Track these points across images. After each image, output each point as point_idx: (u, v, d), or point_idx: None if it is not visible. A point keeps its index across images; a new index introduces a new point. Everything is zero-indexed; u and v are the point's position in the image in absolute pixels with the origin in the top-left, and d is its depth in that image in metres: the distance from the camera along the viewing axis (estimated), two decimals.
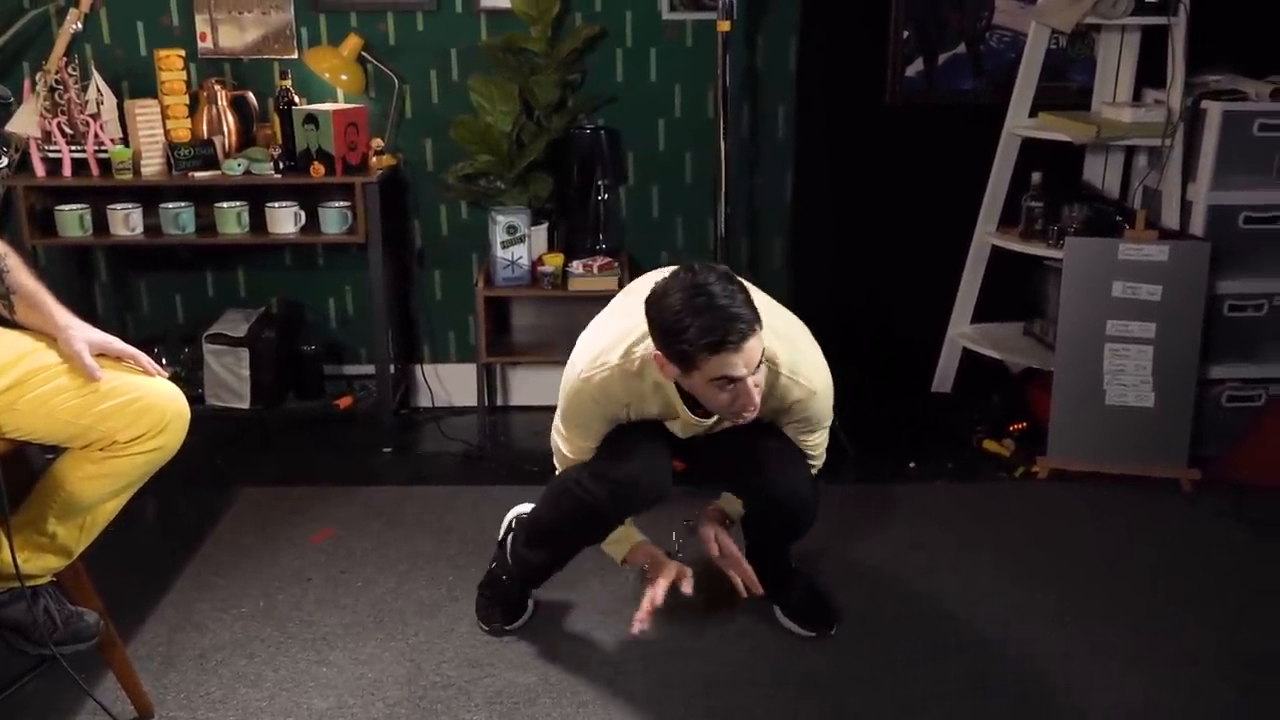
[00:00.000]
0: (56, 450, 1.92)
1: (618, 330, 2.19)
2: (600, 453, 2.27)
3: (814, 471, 2.39)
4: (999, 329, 3.73)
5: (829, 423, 2.33)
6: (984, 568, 2.80)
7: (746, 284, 2.08)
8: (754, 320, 1.96)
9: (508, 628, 2.50)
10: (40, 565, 1.93)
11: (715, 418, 2.20)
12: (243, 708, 2.26)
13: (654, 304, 2.01)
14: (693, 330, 1.93)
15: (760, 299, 2.14)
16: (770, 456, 2.28)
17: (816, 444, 2.36)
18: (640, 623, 2.28)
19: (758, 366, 2.00)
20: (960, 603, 2.63)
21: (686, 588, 2.35)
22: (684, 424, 2.25)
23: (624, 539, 2.40)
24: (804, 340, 2.27)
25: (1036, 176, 3.45)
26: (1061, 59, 3.64)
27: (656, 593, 2.31)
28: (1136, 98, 3.52)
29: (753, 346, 1.96)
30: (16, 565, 1.83)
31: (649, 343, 2.07)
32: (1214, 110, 3.23)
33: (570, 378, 2.23)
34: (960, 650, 2.45)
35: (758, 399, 2.03)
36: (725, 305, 1.93)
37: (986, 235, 3.59)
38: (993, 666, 2.39)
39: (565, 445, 2.33)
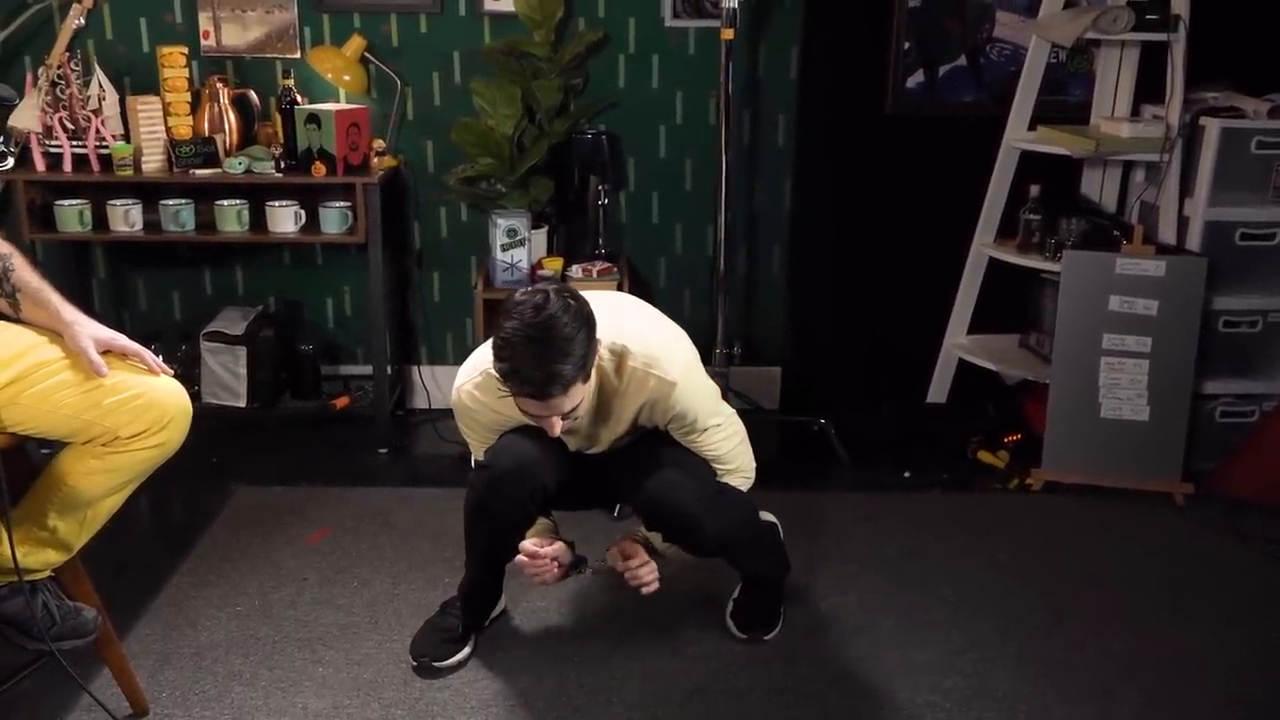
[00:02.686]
0: (55, 446, 1.92)
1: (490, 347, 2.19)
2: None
3: (734, 482, 2.32)
4: (995, 340, 3.74)
5: (718, 420, 2.25)
6: (978, 578, 2.81)
7: (604, 296, 2.18)
8: (574, 377, 1.97)
9: (437, 664, 2.38)
10: (40, 560, 1.93)
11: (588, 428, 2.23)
12: (238, 706, 2.25)
13: (497, 321, 2.00)
14: (512, 376, 1.97)
15: (622, 306, 2.23)
16: (654, 465, 2.24)
17: (714, 446, 2.26)
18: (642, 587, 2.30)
19: (569, 413, 2.03)
20: (954, 613, 2.64)
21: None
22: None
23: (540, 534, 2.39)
24: (664, 339, 2.23)
25: (1035, 189, 3.46)
26: (1061, 73, 3.66)
27: (645, 573, 2.30)
28: (1135, 113, 3.54)
29: (566, 399, 1.99)
30: (15, 560, 1.83)
31: None
32: (1212, 127, 3.25)
33: (456, 384, 2.27)
34: (954, 659, 2.46)
35: (559, 430, 2.06)
36: (550, 361, 1.94)
37: (984, 247, 3.61)
38: (987, 676, 2.40)
39: (471, 452, 2.37)
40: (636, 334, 2.18)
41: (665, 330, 2.28)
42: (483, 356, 2.19)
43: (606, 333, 2.10)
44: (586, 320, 1.99)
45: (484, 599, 2.52)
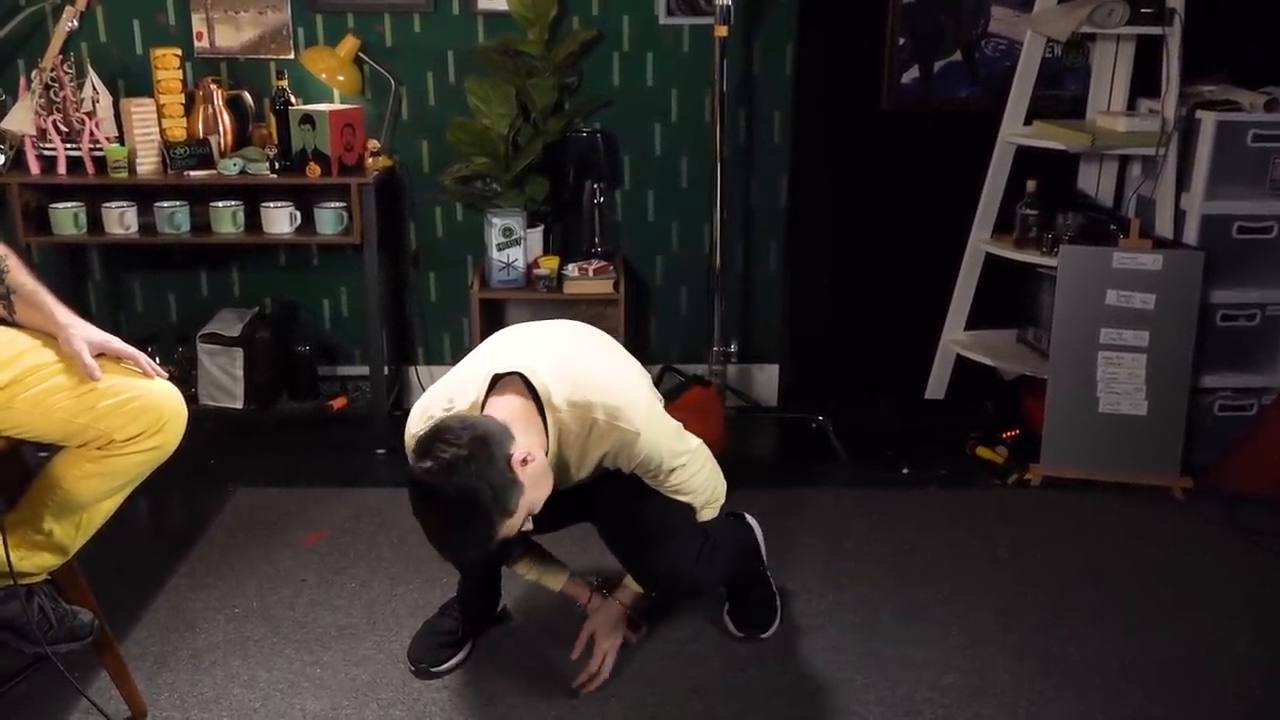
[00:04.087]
0: (51, 449, 1.92)
1: (445, 390, 2.16)
2: None
3: (705, 515, 2.29)
4: (993, 336, 3.74)
5: (683, 459, 2.19)
6: (976, 574, 2.80)
7: (559, 332, 2.23)
8: (463, 558, 2.02)
9: (434, 670, 2.38)
10: (35, 563, 1.92)
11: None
12: (236, 708, 2.25)
13: (417, 443, 1.96)
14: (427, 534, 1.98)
15: (580, 347, 2.20)
16: (643, 532, 2.23)
17: (680, 485, 2.21)
18: (583, 688, 2.31)
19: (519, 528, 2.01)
20: (953, 609, 2.64)
21: (634, 638, 2.44)
22: None
23: (546, 572, 2.43)
24: (624, 384, 2.17)
25: (1031, 184, 3.46)
26: (1056, 67, 3.65)
27: (604, 667, 2.33)
28: (1131, 107, 3.54)
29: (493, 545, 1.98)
30: (10, 563, 1.82)
31: (462, 406, 2.08)
32: (1208, 120, 3.24)
33: (408, 429, 2.17)
34: (953, 656, 2.45)
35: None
36: (439, 543, 1.98)
37: (981, 242, 3.60)
38: (986, 672, 2.40)
39: None
40: (598, 385, 2.10)
41: (624, 373, 2.22)
42: (433, 399, 2.14)
43: (565, 388, 2.05)
44: (477, 504, 1.89)
45: (480, 604, 2.52)
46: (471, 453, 1.88)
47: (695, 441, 2.27)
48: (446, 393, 2.13)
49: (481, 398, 2.06)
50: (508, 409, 2.02)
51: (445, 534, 1.96)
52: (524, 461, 1.94)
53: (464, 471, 1.87)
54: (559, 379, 2.06)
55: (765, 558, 2.61)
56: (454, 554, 2.04)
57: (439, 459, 1.88)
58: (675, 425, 2.24)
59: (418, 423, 2.12)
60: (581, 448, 2.09)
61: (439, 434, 1.91)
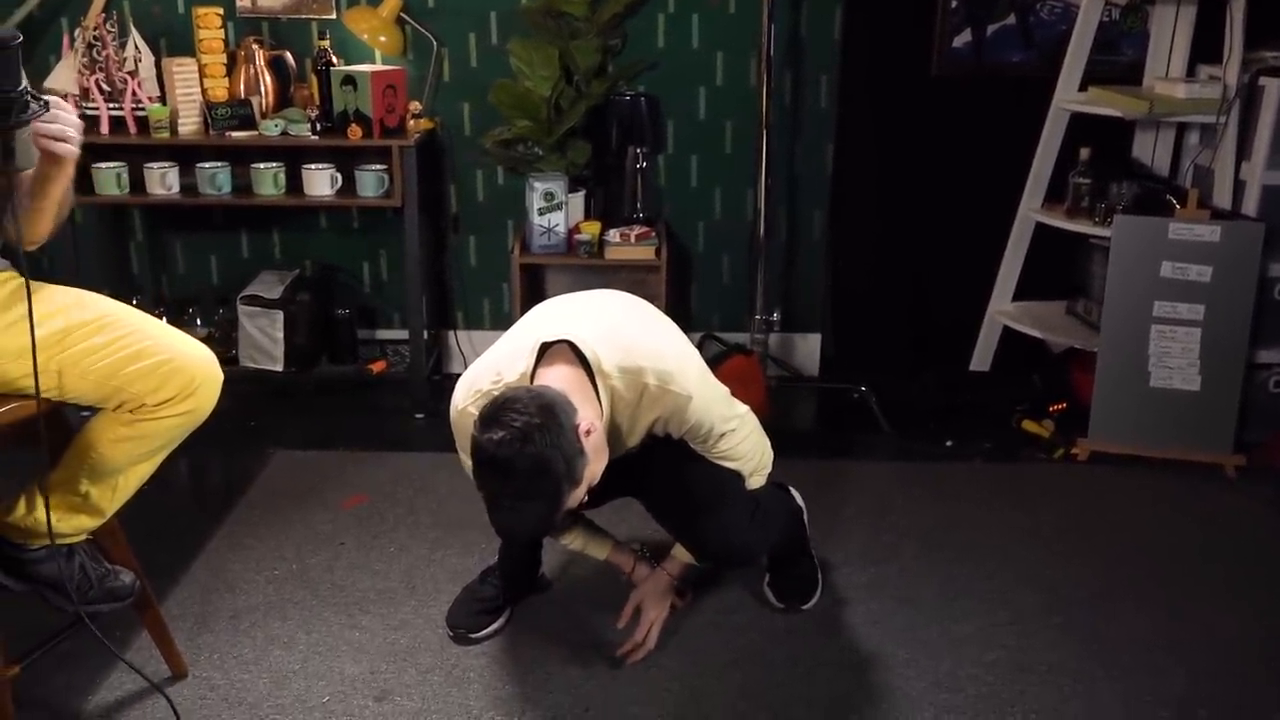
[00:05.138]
0: (92, 410, 1.91)
1: (491, 362, 2.11)
2: None
3: (753, 483, 2.26)
4: (1041, 307, 3.66)
5: (732, 425, 2.17)
6: (1021, 550, 2.76)
7: (607, 302, 2.18)
8: (530, 533, 1.94)
9: (472, 635, 2.37)
10: (73, 525, 1.92)
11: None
12: (275, 670, 2.26)
13: (479, 419, 1.88)
14: (488, 511, 1.92)
15: (627, 316, 2.16)
16: (699, 504, 2.20)
17: (729, 451, 2.18)
18: (627, 657, 2.30)
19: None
20: (997, 584, 2.60)
21: (681, 605, 2.42)
22: None
23: (591, 541, 2.40)
24: (677, 354, 2.14)
25: (1085, 152, 3.37)
26: (1114, 32, 3.55)
27: (650, 638, 2.31)
28: (1191, 73, 3.44)
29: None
30: (50, 524, 1.83)
31: (511, 379, 2.04)
32: (1272, 87, 3.14)
33: (454, 404, 2.14)
34: (997, 633, 2.41)
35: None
36: (507, 517, 1.91)
37: (1031, 212, 3.52)
38: (1030, 648, 2.36)
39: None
40: (647, 351, 2.07)
41: (674, 341, 2.19)
42: (479, 372, 2.11)
43: (615, 354, 2.02)
44: (540, 460, 1.83)
45: (522, 572, 2.51)
46: (543, 421, 1.83)
47: (743, 408, 2.24)
48: (493, 365, 2.09)
49: (530, 368, 2.02)
50: (560, 378, 1.97)
51: (516, 506, 1.89)
52: (587, 432, 1.90)
53: (538, 440, 1.82)
54: (608, 346, 2.02)
55: (808, 530, 2.58)
56: (521, 527, 1.96)
57: (510, 428, 1.82)
58: (724, 391, 2.22)
59: (465, 397, 2.09)
60: (633, 414, 2.06)
61: (507, 404, 1.86)
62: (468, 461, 1.99)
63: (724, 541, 2.25)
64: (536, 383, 1.99)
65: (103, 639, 1.92)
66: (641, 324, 2.19)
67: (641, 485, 2.29)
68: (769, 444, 2.31)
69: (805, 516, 2.57)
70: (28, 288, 1.74)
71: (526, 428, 1.82)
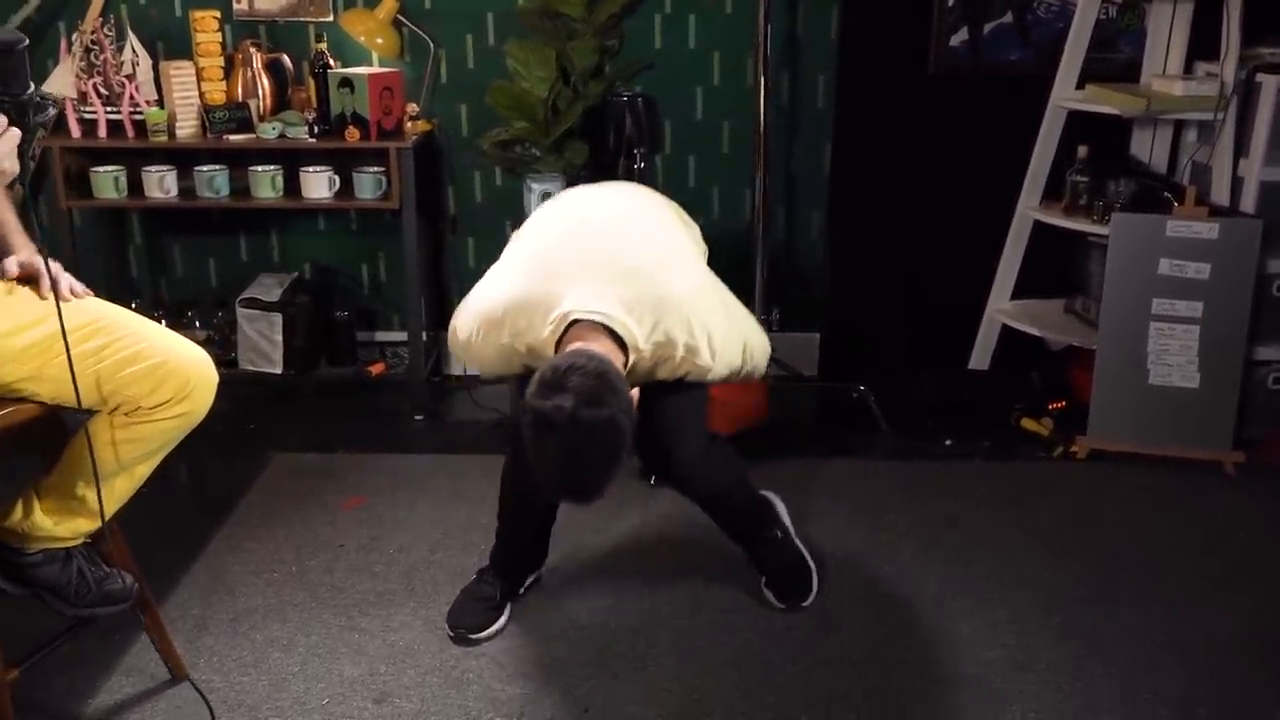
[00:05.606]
0: (89, 412, 1.91)
1: (506, 302, 2.10)
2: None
3: (759, 366, 2.26)
4: (1039, 305, 3.66)
5: (738, 363, 2.19)
6: (1020, 548, 2.76)
7: (624, 213, 2.17)
8: (599, 494, 1.93)
9: (474, 636, 2.37)
10: (70, 528, 1.92)
11: None
12: (274, 672, 2.26)
13: (535, 392, 1.86)
14: (534, 461, 1.90)
15: (648, 241, 2.15)
16: (662, 417, 2.21)
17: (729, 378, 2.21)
18: None
19: None
20: (996, 583, 2.60)
21: None
22: None
23: None
24: (702, 307, 2.12)
25: (1083, 150, 3.37)
26: (1111, 29, 3.55)
27: None
28: (1188, 70, 3.44)
29: None
30: (47, 527, 1.83)
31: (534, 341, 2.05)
32: (1269, 84, 3.14)
33: (459, 328, 2.18)
34: (996, 631, 2.41)
35: None
36: (563, 479, 1.90)
37: (1029, 210, 3.52)
38: (1029, 647, 2.36)
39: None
40: (679, 316, 2.03)
41: (697, 279, 2.16)
42: (491, 305, 2.11)
43: (646, 325, 2.00)
44: (618, 435, 1.84)
45: (528, 560, 2.51)
46: (609, 384, 1.83)
47: (747, 329, 2.21)
48: (510, 308, 2.06)
49: (556, 339, 2.00)
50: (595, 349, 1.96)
51: (583, 471, 1.86)
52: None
53: (610, 402, 1.82)
54: (639, 314, 1.98)
55: (789, 524, 2.59)
56: (584, 491, 1.92)
57: (580, 393, 1.81)
58: (738, 332, 2.18)
59: (475, 325, 2.11)
60: (648, 372, 2.08)
61: (569, 369, 1.84)
62: (473, 368, 2.09)
63: (669, 448, 2.26)
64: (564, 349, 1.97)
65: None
66: (664, 257, 2.14)
67: None
68: (762, 335, 2.29)
69: (782, 510, 2.59)
70: (56, 296, 1.77)
71: (596, 390, 1.81)
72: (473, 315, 2.16)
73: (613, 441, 1.84)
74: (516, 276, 2.15)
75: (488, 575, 2.48)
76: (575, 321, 2.00)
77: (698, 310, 2.09)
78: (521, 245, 2.27)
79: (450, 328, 2.28)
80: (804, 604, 2.49)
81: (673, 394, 2.20)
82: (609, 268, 2.08)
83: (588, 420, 1.81)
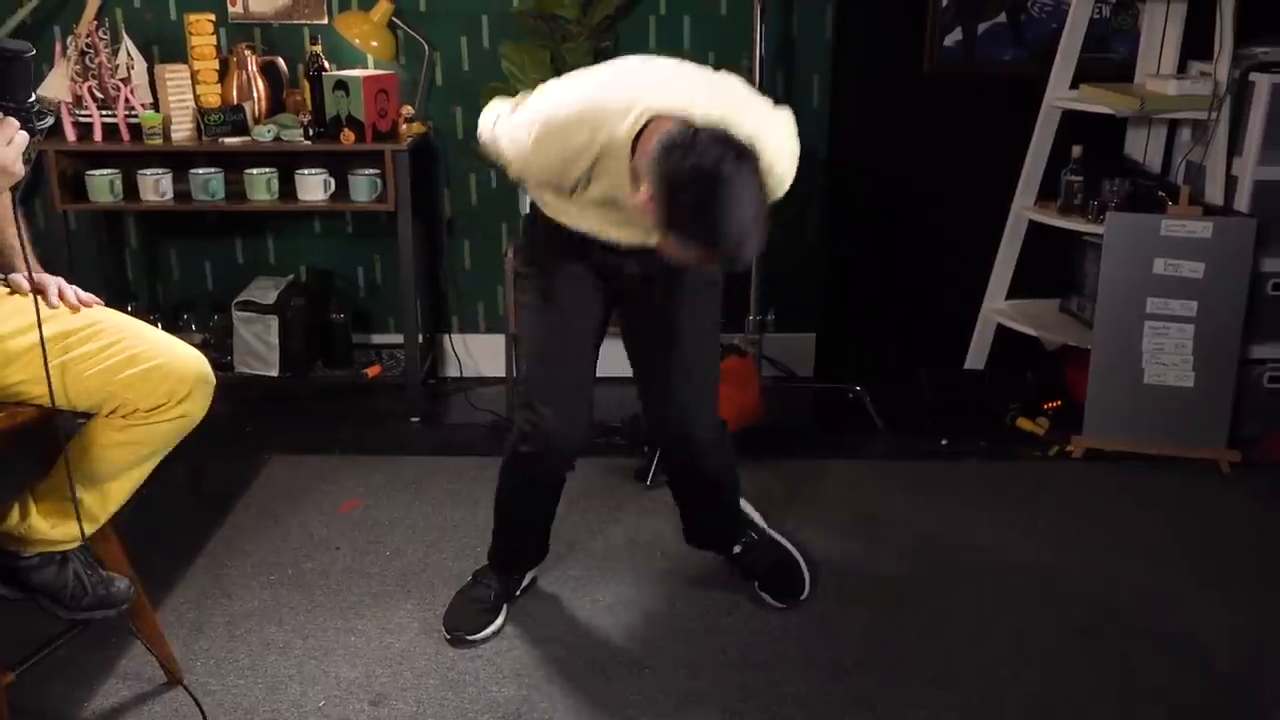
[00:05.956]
0: (86, 415, 1.91)
1: (571, 107, 2.00)
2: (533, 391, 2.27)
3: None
4: (1035, 305, 3.66)
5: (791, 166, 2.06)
6: (1016, 547, 2.76)
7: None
8: (754, 251, 1.86)
9: (471, 638, 2.36)
10: (66, 532, 1.92)
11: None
12: (271, 675, 2.26)
13: (672, 156, 1.78)
14: (690, 226, 1.79)
15: (710, 82, 2.05)
16: (683, 383, 2.29)
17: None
18: None
19: None
20: (993, 584, 2.60)
21: None
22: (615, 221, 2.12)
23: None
24: (762, 117, 2.02)
25: (1077, 150, 3.38)
26: (1104, 29, 3.55)
27: None
28: (1182, 70, 3.44)
29: None
30: (43, 531, 1.82)
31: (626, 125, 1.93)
32: (1262, 83, 3.15)
33: (510, 130, 2.08)
34: (992, 629, 2.42)
35: None
36: (734, 230, 1.79)
37: (1024, 209, 3.53)
38: (1025, 646, 2.36)
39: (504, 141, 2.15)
40: (744, 122, 1.89)
41: (754, 100, 2.06)
42: (535, 109, 2.03)
43: (725, 114, 1.88)
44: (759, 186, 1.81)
45: (526, 556, 2.51)
46: (737, 139, 1.79)
47: (787, 129, 2.09)
48: (581, 117, 1.96)
49: (634, 133, 1.92)
50: None
51: (754, 214, 1.78)
52: None
53: (752, 156, 1.79)
54: (718, 117, 1.89)
55: (763, 524, 2.61)
56: (754, 240, 1.82)
57: (735, 147, 1.76)
58: (789, 134, 2.07)
59: (545, 150, 2.01)
60: None
61: (693, 132, 1.78)
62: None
63: (692, 412, 2.31)
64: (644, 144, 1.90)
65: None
66: (725, 82, 2.08)
67: (642, 343, 2.33)
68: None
69: (753, 512, 2.62)
70: (35, 296, 1.77)
71: (735, 142, 1.78)
72: (531, 118, 2.03)
73: (761, 194, 1.81)
74: (583, 88, 2.05)
75: (484, 577, 2.48)
76: (655, 118, 1.91)
77: (767, 126, 2.00)
78: (571, 81, 2.12)
79: (481, 125, 2.21)
80: (802, 598, 2.50)
81: (694, 363, 2.28)
82: (686, 78, 2.04)
83: (751, 162, 1.77)
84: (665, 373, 2.31)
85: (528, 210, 2.37)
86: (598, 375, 2.32)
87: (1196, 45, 3.39)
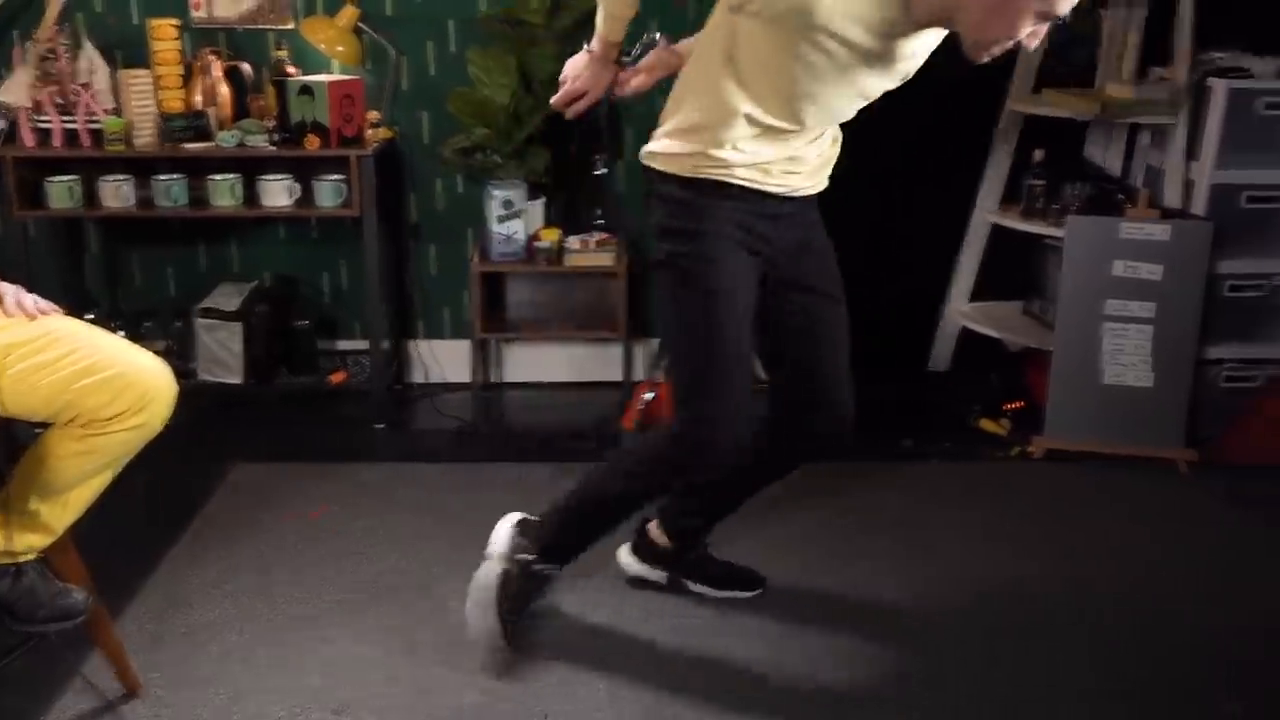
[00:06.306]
0: (44, 425, 1.90)
1: None
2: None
3: None
4: (997, 307, 3.70)
5: None
6: (979, 547, 2.79)
7: None
8: None
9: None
10: (23, 543, 1.90)
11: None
12: (232, 685, 2.24)
13: None
14: None
15: None
16: (843, 369, 2.27)
17: None
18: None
19: None
20: (957, 583, 2.62)
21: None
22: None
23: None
24: None
25: (1038, 154, 3.41)
26: (1066, 35, 3.58)
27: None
28: (1141, 75, 3.48)
29: None
30: None
31: None
32: (1219, 88, 3.19)
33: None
34: (957, 629, 2.44)
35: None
36: None
37: (986, 213, 3.56)
38: (991, 646, 2.38)
39: None
40: None
41: None
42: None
43: None
44: None
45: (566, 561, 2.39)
46: None
47: None
48: None
49: None
50: None
51: None
52: None
53: None
54: None
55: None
56: None
57: None
58: None
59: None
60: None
61: None
62: None
63: (849, 398, 2.31)
64: None
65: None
66: None
67: (798, 322, 2.26)
68: None
69: None
70: None
71: None
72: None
73: None
74: None
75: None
76: None
77: None
78: None
79: None
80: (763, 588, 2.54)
81: (844, 335, 2.28)
82: None
83: None
84: (831, 352, 2.24)
85: (665, 184, 2.13)
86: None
87: (1157, 51, 3.43)
